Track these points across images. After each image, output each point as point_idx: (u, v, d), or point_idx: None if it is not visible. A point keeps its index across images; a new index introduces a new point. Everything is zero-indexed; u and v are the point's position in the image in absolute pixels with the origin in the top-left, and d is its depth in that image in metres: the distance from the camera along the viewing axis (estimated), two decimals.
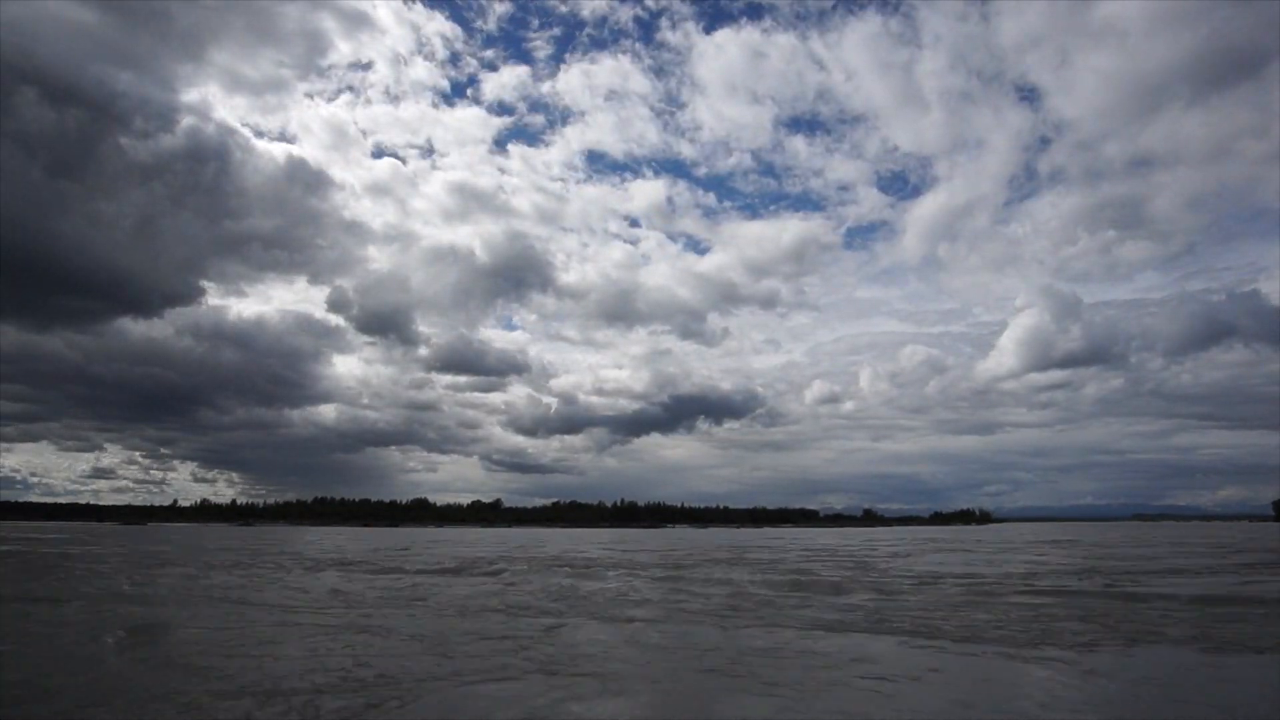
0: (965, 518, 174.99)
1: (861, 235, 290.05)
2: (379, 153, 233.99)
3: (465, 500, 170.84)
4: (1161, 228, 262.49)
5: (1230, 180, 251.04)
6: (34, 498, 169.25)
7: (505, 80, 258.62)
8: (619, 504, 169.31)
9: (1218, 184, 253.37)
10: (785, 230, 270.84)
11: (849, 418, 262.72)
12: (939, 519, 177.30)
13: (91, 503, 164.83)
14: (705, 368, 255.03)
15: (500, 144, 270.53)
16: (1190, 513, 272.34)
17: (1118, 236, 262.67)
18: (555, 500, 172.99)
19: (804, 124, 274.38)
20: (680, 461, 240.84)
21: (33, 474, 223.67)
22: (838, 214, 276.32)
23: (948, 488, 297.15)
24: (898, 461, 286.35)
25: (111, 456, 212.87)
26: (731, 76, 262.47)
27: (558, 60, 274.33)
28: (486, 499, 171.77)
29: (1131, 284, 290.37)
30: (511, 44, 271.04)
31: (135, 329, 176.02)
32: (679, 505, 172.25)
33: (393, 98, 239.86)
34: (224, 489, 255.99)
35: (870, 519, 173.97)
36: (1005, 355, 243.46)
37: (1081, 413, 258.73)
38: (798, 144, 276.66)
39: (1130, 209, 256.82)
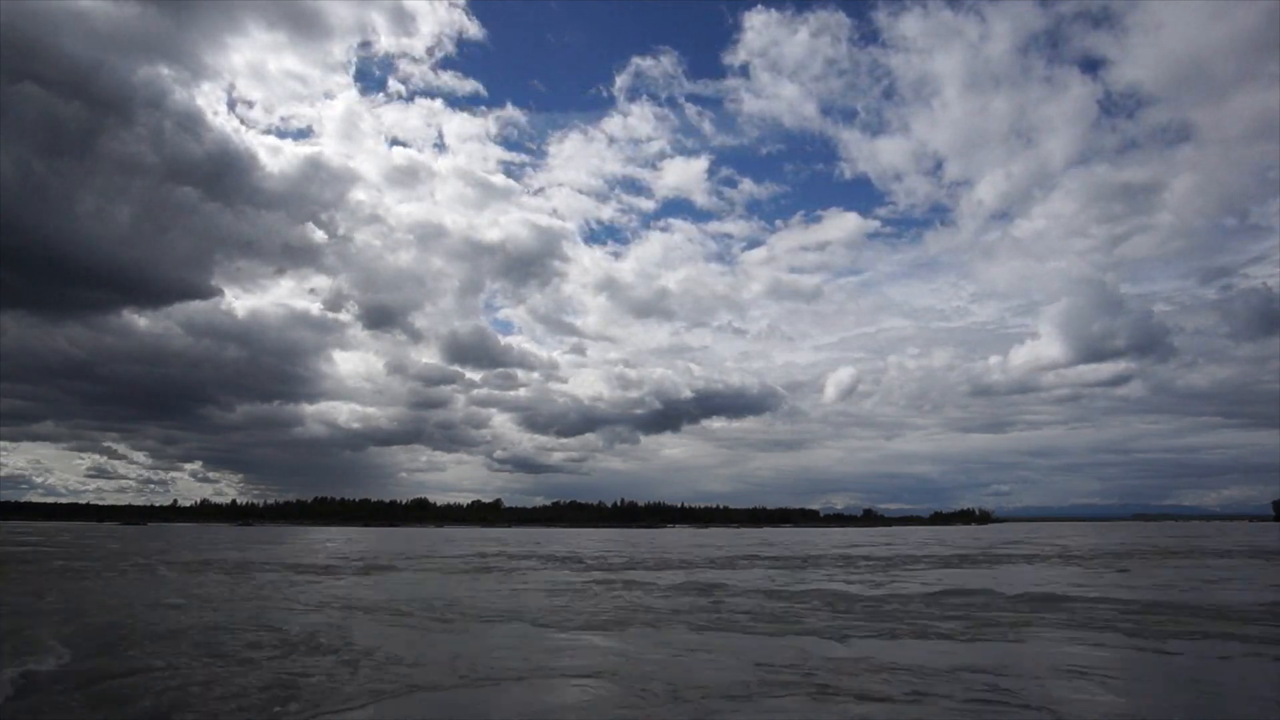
0: (965, 518, 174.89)
1: (910, 226, 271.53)
2: (394, 146, 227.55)
3: (465, 500, 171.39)
4: (1193, 213, 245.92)
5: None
6: (35, 497, 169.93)
7: (536, 77, 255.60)
8: (619, 504, 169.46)
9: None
10: (824, 222, 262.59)
11: (863, 415, 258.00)
12: (939, 519, 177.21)
13: (92, 503, 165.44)
14: (724, 364, 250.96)
15: (527, 136, 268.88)
16: (1192, 513, 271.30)
17: (1154, 222, 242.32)
18: (555, 500, 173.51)
19: (852, 109, 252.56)
20: (685, 461, 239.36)
21: (35, 474, 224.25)
22: (885, 203, 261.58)
23: (958, 486, 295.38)
24: (909, 460, 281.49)
25: (113, 456, 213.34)
26: (777, 57, 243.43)
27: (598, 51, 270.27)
28: (487, 499, 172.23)
29: (1166, 274, 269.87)
30: (554, 32, 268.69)
31: (141, 325, 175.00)
32: (679, 505, 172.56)
33: (412, 93, 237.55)
34: (226, 489, 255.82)
35: (870, 519, 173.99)
36: (1032, 351, 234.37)
37: (1099, 410, 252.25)
38: (844, 129, 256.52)
39: (1171, 193, 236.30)
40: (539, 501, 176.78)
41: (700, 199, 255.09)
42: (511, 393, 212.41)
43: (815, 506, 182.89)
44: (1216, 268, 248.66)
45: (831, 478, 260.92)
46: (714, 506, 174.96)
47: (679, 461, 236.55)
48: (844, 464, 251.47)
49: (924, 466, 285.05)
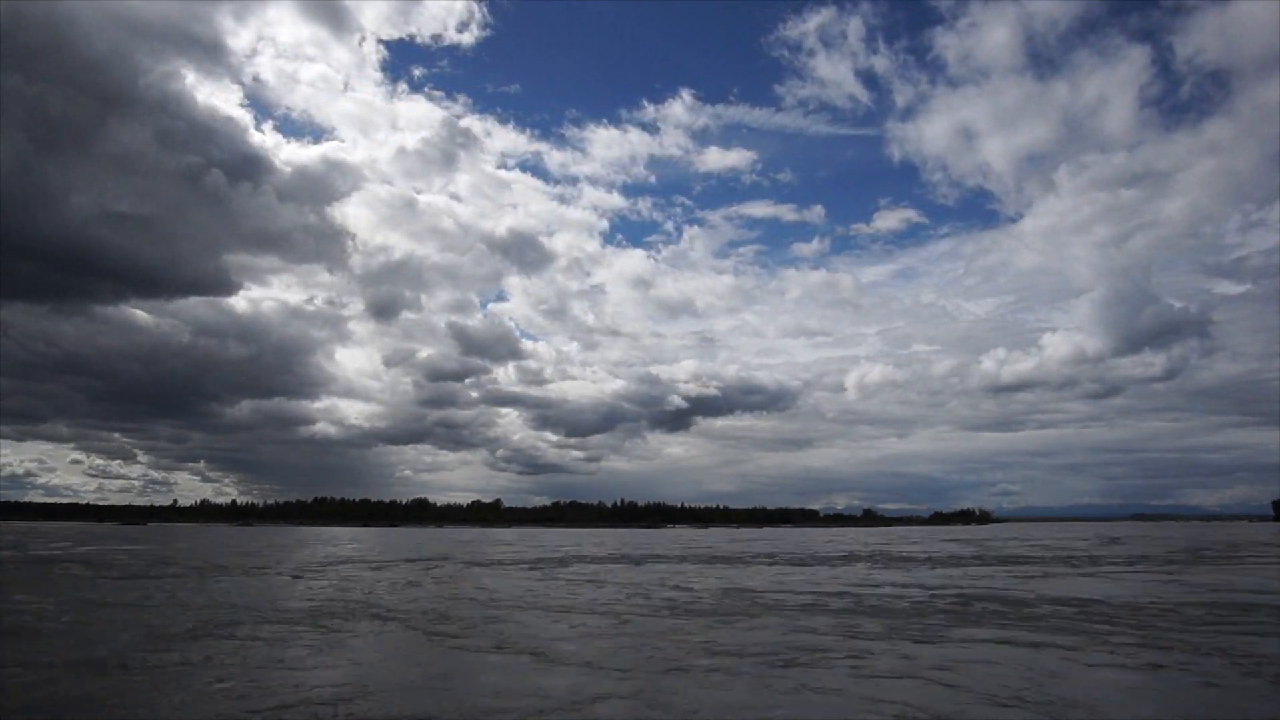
0: (965, 518, 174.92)
1: (946, 218, 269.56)
2: (410, 140, 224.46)
3: (466, 500, 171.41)
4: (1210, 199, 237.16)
5: None
6: (37, 497, 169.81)
7: (568, 73, 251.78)
8: (619, 504, 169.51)
9: None
10: (858, 217, 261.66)
11: (872, 413, 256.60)
12: (938, 519, 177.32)
13: (92, 502, 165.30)
14: (740, 361, 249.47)
15: (556, 127, 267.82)
16: (1192, 513, 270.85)
17: (1167, 215, 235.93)
18: (556, 500, 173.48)
19: (893, 92, 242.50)
20: (688, 460, 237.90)
21: (40, 473, 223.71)
22: (924, 195, 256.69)
23: (963, 485, 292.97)
24: (913, 460, 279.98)
25: (116, 456, 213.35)
26: (818, 37, 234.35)
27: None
28: (487, 499, 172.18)
29: (1187, 266, 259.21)
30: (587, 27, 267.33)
31: (147, 321, 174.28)
32: (679, 505, 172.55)
33: (429, 87, 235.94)
34: (228, 489, 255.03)
35: (869, 519, 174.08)
36: (1054, 345, 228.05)
37: (1115, 409, 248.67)
38: (887, 117, 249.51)
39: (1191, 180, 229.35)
40: (539, 501, 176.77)
41: (730, 192, 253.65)
42: (519, 390, 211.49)
43: (816, 506, 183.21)
44: (1241, 259, 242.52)
45: (835, 477, 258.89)
46: (714, 506, 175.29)
47: (682, 460, 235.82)
48: (848, 463, 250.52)
49: (928, 466, 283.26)
